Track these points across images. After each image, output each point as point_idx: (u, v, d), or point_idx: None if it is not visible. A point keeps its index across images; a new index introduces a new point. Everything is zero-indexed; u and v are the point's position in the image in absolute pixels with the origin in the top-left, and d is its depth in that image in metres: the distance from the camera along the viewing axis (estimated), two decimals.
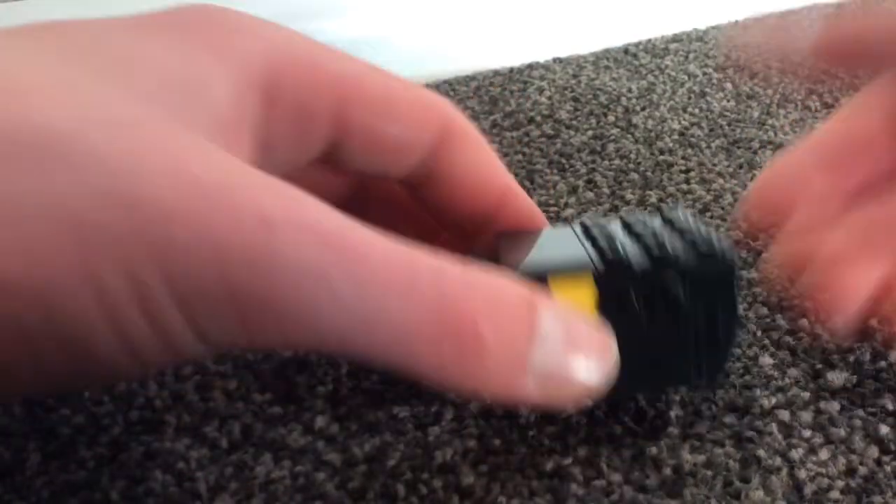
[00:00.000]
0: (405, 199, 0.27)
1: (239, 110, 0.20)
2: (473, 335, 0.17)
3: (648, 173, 0.42)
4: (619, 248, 0.24)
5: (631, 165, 0.42)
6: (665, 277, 0.23)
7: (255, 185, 0.17)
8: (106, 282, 0.16)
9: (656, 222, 0.26)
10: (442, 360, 0.17)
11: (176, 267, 0.16)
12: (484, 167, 0.26)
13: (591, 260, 0.23)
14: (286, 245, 0.16)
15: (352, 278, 0.17)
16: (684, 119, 0.47)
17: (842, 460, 0.25)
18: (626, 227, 0.26)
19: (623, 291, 0.23)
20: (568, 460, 0.25)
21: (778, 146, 0.44)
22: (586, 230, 0.26)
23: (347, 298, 0.16)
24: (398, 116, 0.24)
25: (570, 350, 0.19)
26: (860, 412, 0.27)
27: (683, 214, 0.26)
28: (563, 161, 0.43)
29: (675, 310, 0.23)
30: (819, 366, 0.29)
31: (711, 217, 0.38)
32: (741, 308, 0.31)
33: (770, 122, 0.47)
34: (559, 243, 0.25)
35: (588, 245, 0.24)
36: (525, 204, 0.26)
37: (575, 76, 0.53)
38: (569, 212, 0.38)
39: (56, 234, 0.16)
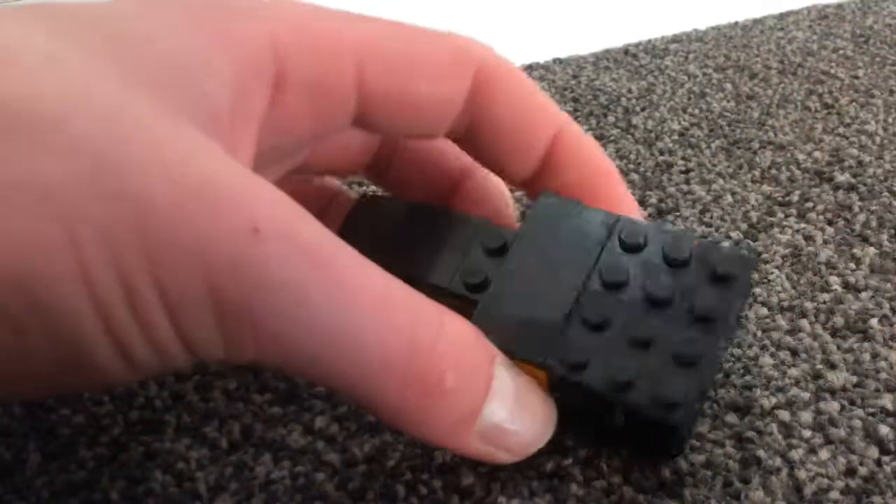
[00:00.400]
0: (434, 153, 0.26)
1: (240, 101, 0.20)
2: (437, 383, 0.17)
3: (648, 174, 0.42)
4: (585, 353, 0.21)
5: (631, 166, 0.42)
6: (608, 405, 0.22)
7: (245, 188, 0.17)
8: (97, 278, 0.16)
9: (698, 271, 0.22)
10: (402, 400, 0.17)
11: (162, 266, 0.16)
12: (530, 108, 0.24)
13: (554, 348, 0.21)
14: (272, 257, 0.16)
15: (330, 300, 0.16)
16: (684, 120, 0.47)
17: (842, 461, 0.25)
18: (663, 257, 0.23)
19: (573, 402, 0.22)
20: (568, 460, 0.25)
21: (778, 146, 0.44)
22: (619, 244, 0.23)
23: (322, 320, 0.16)
24: (425, 74, 0.23)
25: (516, 412, 0.19)
26: (860, 412, 0.27)
27: (735, 284, 0.22)
28: None
29: (621, 427, 0.22)
30: (819, 366, 0.29)
31: (711, 218, 0.38)
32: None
33: (770, 122, 0.47)
34: (561, 277, 0.23)
35: (577, 310, 0.22)
36: (582, 143, 0.24)
37: (575, 77, 0.53)
38: None
39: (44, 223, 0.15)
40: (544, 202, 0.24)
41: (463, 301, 0.23)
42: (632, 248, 0.23)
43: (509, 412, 0.19)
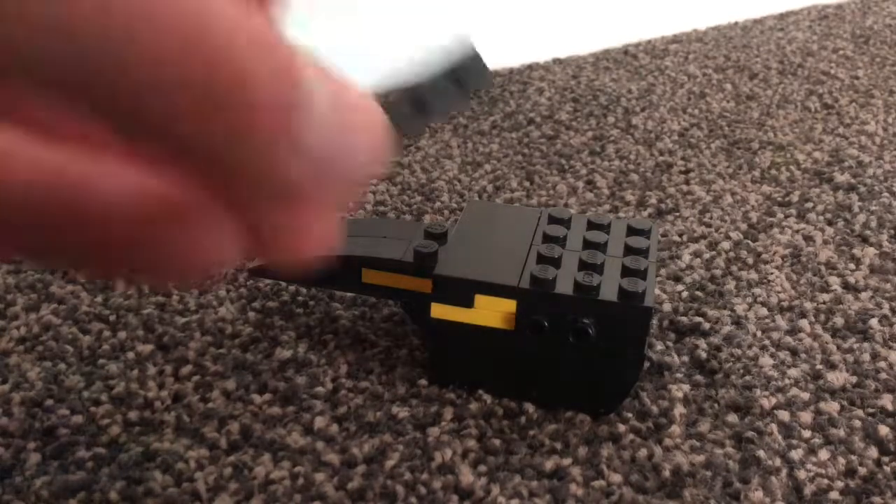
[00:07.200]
0: None
1: None
2: (238, 62, 0.12)
3: (648, 174, 0.42)
4: (551, 272, 0.26)
5: (631, 166, 0.42)
6: (580, 311, 0.26)
7: None
8: None
9: (616, 230, 0.29)
10: (208, 97, 0.12)
11: None
12: None
13: (521, 278, 0.26)
14: None
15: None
16: (684, 120, 0.47)
17: (841, 461, 0.25)
18: (590, 226, 0.29)
19: (540, 318, 0.26)
20: (568, 460, 0.25)
21: (777, 147, 0.44)
22: (549, 220, 0.29)
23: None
24: None
25: (343, 120, 0.14)
26: (860, 413, 0.27)
27: (650, 235, 0.28)
28: (563, 162, 0.42)
29: (585, 340, 0.26)
30: (819, 366, 0.29)
31: (711, 218, 0.38)
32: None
33: (770, 122, 0.47)
34: (509, 241, 0.28)
35: (531, 254, 0.27)
36: None
37: (575, 77, 0.53)
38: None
39: None
40: (474, 203, 0.31)
41: (415, 273, 0.28)
42: (562, 222, 0.29)
43: (334, 124, 0.14)
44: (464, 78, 0.18)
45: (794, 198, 0.39)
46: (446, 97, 0.17)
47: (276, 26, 0.13)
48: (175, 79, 0.12)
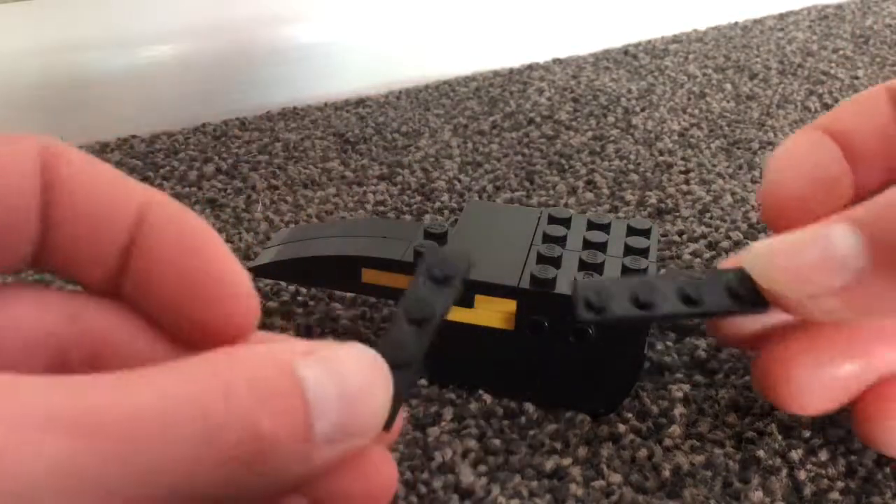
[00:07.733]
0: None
1: None
2: (257, 439, 0.15)
3: (648, 174, 0.42)
4: (551, 272, 0.26)
5: (630, 166, 0.42)
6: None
7: None
8: None
9: (616, 230, 0.29)
10: (235, 475, 0.15)
11: None
12: (106, 187, 0.19)
13: (521, 278, 0.26)
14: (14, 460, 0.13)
15: (97, 456, 0.14)
16: (684, 120, 0.47)
17: (841, 461, 0.25)
18: (590, 226, 0.29)
19: (540, 318, 0.26)
20: (568, 460, 0.25)
21: (778, 147, 0.44)
22: (548, 220, 0.29)
23: (93, 481, 0.14)
24: None
25: (346, 400, 0.16)
26: None
27: (650, 235, 0.28)
28: (563, 162, 0.43)
29: (585, 340, 0.26)
30: None
31: (711, 218, 0.38)
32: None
33: (770, 122, 0.47)
34: (509, 241, 0.28)
35: (531, 254, 0.27)
36: (174, 217, 0.19)
37: (575, 77, 0.53)
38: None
39: None
40: (474, 203, 0.31)
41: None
42: (562, 221, 0.29)
43: (339, 406, 0.16)
44: (450, 274, 0.18)
45: None
46: (441, 299, 0.18)
47: (282, 357, 0.16)
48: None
